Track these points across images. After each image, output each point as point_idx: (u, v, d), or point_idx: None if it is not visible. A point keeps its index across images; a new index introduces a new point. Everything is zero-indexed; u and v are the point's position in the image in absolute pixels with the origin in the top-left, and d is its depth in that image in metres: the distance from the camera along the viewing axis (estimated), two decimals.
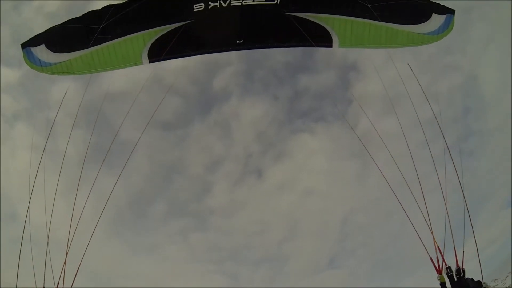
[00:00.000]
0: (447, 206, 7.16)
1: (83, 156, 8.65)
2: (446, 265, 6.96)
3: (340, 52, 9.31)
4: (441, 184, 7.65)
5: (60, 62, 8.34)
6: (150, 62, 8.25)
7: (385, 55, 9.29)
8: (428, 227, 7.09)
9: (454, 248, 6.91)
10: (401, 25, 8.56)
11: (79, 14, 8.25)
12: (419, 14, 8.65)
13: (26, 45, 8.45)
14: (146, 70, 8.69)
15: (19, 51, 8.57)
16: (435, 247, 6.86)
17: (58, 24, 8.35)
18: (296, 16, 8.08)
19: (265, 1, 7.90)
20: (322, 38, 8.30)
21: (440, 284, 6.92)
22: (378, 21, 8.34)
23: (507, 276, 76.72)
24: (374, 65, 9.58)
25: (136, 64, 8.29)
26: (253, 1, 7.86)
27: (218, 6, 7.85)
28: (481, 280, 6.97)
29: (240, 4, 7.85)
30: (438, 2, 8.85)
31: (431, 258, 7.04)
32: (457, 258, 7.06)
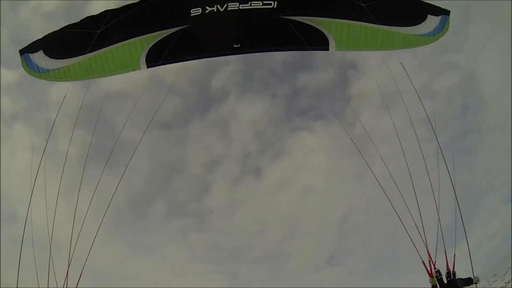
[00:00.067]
0: (439, 210, 7.25)
1: (82, 156, 8.72)
2: (435, 268, 7.13)
3: (338, 51, 9.42)
4: (435, 184, 7.74)
5: (58, 68, 8.39)
6: (148, 67, 8.30)
7: (383, 54, 9.39)
8: (421, 230, 7.20)
9: (445, 251, 7.10)
10: (397, 27, 8.64)
11: (76, 15, 8.34)
12: (415, 16, 8.74)
13: (24, 52, 8.50)
14: (145, 70, 8.72)
15: (17, 52, 8.62)
16: (427, 251, 6.96)
17: (56, 30, 8.38)
18: (293, 20, 8.14)
19: (262, 5, 7.94)
20: (319, 42, 8.36)
21: (432, 287, 7.08)
22: (374, 23, 8.43)
23: (506, 272, 77.21)
24: (372, 63, 9.69)
25: (134, 70, 8.34)
26: (250, 5, 7.90)
27: (215, 10, 7.89)
28: (472, 277, 7.16)
29: (237, 8, 7.89)
30: (433, 3, 8.95)
31: (423, 261, 7.20)
32: (448, 261, 7.24)
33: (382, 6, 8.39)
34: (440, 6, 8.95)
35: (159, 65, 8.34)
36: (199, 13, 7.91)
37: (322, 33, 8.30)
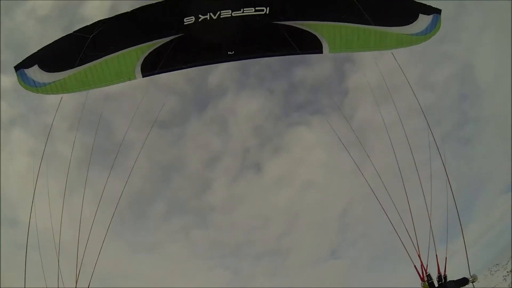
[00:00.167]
0: (430, 215, 7.28)
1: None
2: (426, 273, 7.13)
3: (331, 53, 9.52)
4: (429, 181, 7.79)
5: (54, 82, 8.43)
6: (143, 77, 8.37)
7: None
8: (413, 235, 7.22)
9: (436, 255, 7.09)
10: (389, 27, 8.73)
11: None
12: (407, 16, 8.82)
13: (20, 67, 8.53)
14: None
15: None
16: (418, 256, 6.99)
17: (50, 43, 8.42)
18: (285, 25, 8.23)
19: (255, 11, 8.02)
20: (312, 45, 8.45)
21: None
22: (367, 24, 8.51)
23: (508, 261, 77.64)
24: (368, 55, 9.67)
25: (129, 79, 8.40)
26: (243, 12, 7.97)
27: (208, 18, 7.95)
28: (467, 277, 7.09)
29: (230, 15, 7.95)
30: (424, 2, 9.03)
31: (415, 266, 7.21)
32: (440, 264, 7.24)
33: (374, 6, 8.48)
34: (431, 5, 9.04)
35: (154, 74, 8.40)
36: (192, 21, 7.97)
37: (315, 36, 8.39)
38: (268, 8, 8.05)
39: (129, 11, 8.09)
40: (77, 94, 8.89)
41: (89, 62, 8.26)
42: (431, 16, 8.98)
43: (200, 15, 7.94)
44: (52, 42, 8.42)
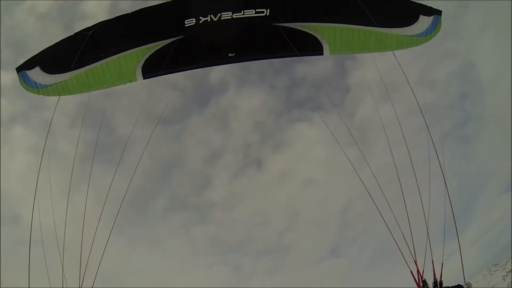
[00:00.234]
0: (428, 223, 7.27)
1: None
2: (422, 278, 7.16)
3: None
4: (429, 185, 7.80)
5: (55, 83, 8.47)
6: (144, 78, 8.39)
7: None
8: (411, 238, 7.22)
9: (432, 261, 7.10)
10: (389, 28, 8.72)
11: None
12: (407, 17, 8.81)
13: (21, 69, 8.59)
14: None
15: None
16: (414, 262, 7.00)
17: (52, 45, 8.48)
18: (286, 26, 8.23)
19: (255, 13, 8.04)
20: (313, 47, 8.44)
21: None
22: (367, 26, 8.52)
23: (507, 261, 77.70)
24: (370, 53, 9.55)
25: (130, 81, 8.43)
26: (243, 14, 7.99)
27: (209, 20, 7.99)
28: (462, 284, 7.14)
29: (231, 17, 7.99)
30: (425, 3, 9.03)
31: (411, 271, 7.23)
32: (437, 270, 7.26)
33: (374, 7, 8.48)
34: (432, 6, 9.05)
35: (155, 76, 8.43)
36: (193, 23, 8.01)
37: (316, 38, 8.38)
38: (268, 10, 8.07)
39: (129, 12, 8.15)
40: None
41: (90, 64, 8.30)
42: (431, 17, 8.97)
43: (200, 17, 7.97)
44: (54, 44, 8.47)
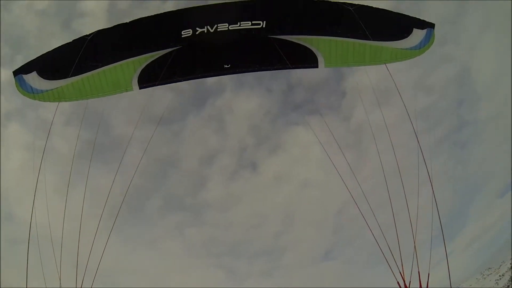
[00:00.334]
0: (415, 238, 7.37)
1: (77, 153, 8.78)
2: None
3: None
4: (417, 197, 7.89)
5: (52, 89, 8.49)
6: (140, 88, 8.43)
7: None
8: (398, 249, 7.30)
9: (418, 272, 7.13)
10: (384, 42, 8.82)
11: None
12: (401, 30, 8.92)
13: (18, 73, 8.60)
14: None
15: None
16: (400, 274, 7.09)
17: (49, 51, 8.50)
18: (281, 39, 8.30)
19: (251, 25, 8.10)
20: (308, 59, 8.53)
21: None
22: (362, 39, 8.60)
23: (500, 265, 78.22)
24: None
25: (126, 90, 8.47)
26: (240, 26, 8.05)
27: (205, 32, 8.04)
28: None
29: (227, 29, 8.04)
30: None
31: (398, 282, 7.25)
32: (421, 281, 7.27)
33: (369, 21, 8.57)
34: (425, 20, 9.16)
35: (151, 87, 8.47)
36: (189, 34, 8.06)
37: (311, 51, 8.47)
38: (264, 22, 8.13)
39: (127, 22, 8.17)
40: None
41: (87, 71, 8.33)
42: (424, 31, 9.09)
43: (197, 28, 8.03)
44: (51, 50, 8.49)
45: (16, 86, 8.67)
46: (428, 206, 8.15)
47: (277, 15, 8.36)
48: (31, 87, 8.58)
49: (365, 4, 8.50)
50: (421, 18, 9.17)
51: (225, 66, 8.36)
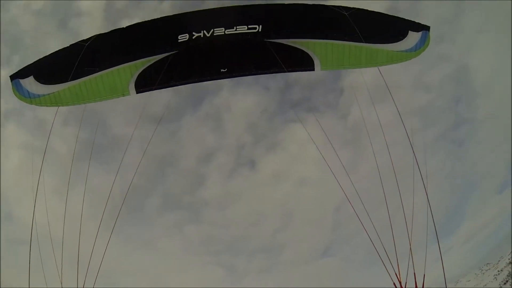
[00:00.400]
0: (411, 240, 7.44)
1: (75, 154, 8.82)
2: None
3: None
4: (413, 198, 7.96)
5: (48, 94, 8.51)
6: (137, 93, 8.47)
7: None
8: (394, 248, 7.38)
9: (414, 273, 7.18)
10: (379, 44, 8.88)
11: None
12: (396, 33, 8.98)
13: (15, 77, 8.62)
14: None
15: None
16: (396, 275, 7.16)
17: (46, 56, 8.54)
18: (278, 42, 8.34)
19: (247, 29, 8.14)
20: (304, 63, 8.57)
21: None
22: (357, 42, 8.65)
23: (499, 260, 78.74)
24: None
25: (123, 95, 8.50)
26: (236, 30, 8.10)
27: (202, 36, 8.09)
28: None
29: (223, 33, 8.09)
30: (417, 15, 9.19)
31: (394, 283, 7.32)
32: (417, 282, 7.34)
33: (364, 24, 8.62)
34: (420, 22, 9.22)
35: (148, 91, 8.51)
36: (186, 39, 8.11)
37: (307, 54, 8.51)
38: (260, 26, 8.18)
39: (124, 27, 8.23)
40: None
41: (84, 76, 8.35)
42: (420, 33, 9.15)
43: (194, 33, 8.08)
44: (48, 55, 8.53)
45: (13, 91, 8.70)
46: (425, 205, 8.24)
47: (273, 19, 8.41)
48: (28, 91, 8.61)
49: (360, 7, 8.56)
50: (416, 21, 9.24)
51: (221, 70, 8.41)
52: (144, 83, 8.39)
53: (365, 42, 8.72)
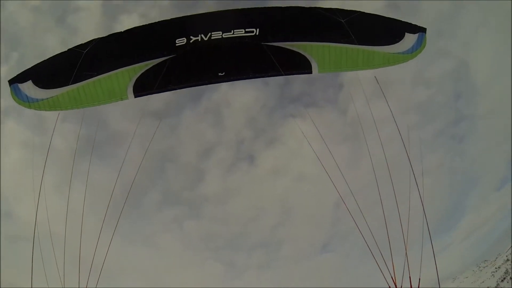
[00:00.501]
0: (407, 245, 7.50)
1: (73, 150, 8.85)
2: None
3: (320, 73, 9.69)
4: (409, 202, 8.01)
5: (47, 98, 8.55)
6: (135, 97, 8.49)
7: None
8: (389, 249, 7.43)
9: (410, 277, 7.25)
10: (376, 46, 8.93)
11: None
12: (393, 35, 9.04)
13: (14, 82, 8.66)
14: None
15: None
16: (392, 279, 7.23)
17: (45, 60, 8.57)
18: (275, 46, 8.39)
19: (245, 33, 8.18)
20: (302, 65, 8.60)
21: None
22: (355, 44, 8.71)
23: (496, 257, 79.09)
24: None
25: (122, 99, 8.52)
26: (233, 34, 8.14)
27: (199, 40, 8.13)
28: None
29: (221, 37, 8.13)
30: (413, 18, 9.24)
31: (389, 286, 7.42)
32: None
33: (361, 27, 8.69)
34: (416, 24, 9.27)
35: (146, 95, 8.55)
36: (183, 43, 8.14)
37: (305, 57, 8.55)
38: (258, 29, 8.22)
39: (122, 31, 8.27)
40: None
41: (82, 80, 8.39)
42: (416, 35, 9.21)
43: (191, 37, 8.11)
44: (47, 59, 8.57)
45: (12, 95, 8.73)
46: (422, 204, 8.30)
47: (270, 22, 8.44)
48: (26, 96, 8.64)
49: (357, 10, 8.60)
50: (413, 23, 9.31)
51: (219, 74, 8.42)
52: (142, 87, 8.42)
53: (362, 45, 8.78)
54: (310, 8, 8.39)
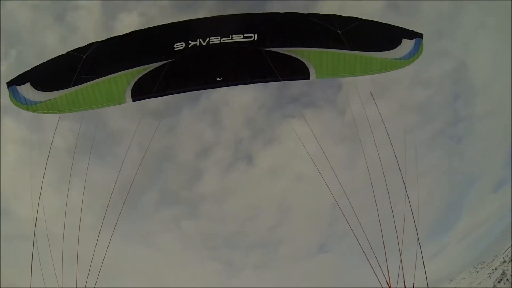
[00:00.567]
0: (401, 250, 7.56)
1: (70, 148, 8.86)
2: None
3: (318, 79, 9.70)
4: (405, 207, 8.06)
5: (45, 101, 8.57)
6: (133, 101, 8.52)
7: None
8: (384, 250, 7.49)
9: (404, 281, 7.29)
10: (374, 52, 8.99)
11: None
12: (390, 41, 9.09)
13: (12, 84, 8.68)
14: None
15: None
16: (387, 282, 7.28)
17: (43, 62, 8.59)
18: (273, 51, 8.43)
19: (243, 38, 8.22)
20: (300, 71, 8.66)
21: None
22: (352, 50, 8.76)
23: (493, 259, 79.34)
24: None
25: (120, 103, 8.55)
26: (231, 39, 8.18)
27: (198, 44, 8.16)
28: None
29: (219, 42, 8.16)
30: (407, 27, 9.28)
31: None
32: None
33: (358, 33, 8.74)
34: (414, 30, 9.33)
35: (144, 99, 8.58)
36: (182, 47, 8.17)
37: (302, 62, 8.60)
38: (256, 35, 8.26)
39: (121, 35, 8.29)
40: None
41: (80, 83, 8.41)
42: (413, 41, 9.26)
43: (190, 41, 8.15)
44: (45, 62, 8.59)
45: (10, 97, 8.76)
46: (421, 203, 8.36)
47: (268, 28, 8.49)
48: (24, 98, 8.66)
49: (354, 17, 8.65)
50: (410, 29, 9.36)
51: (217, 79, 8.46)
52: (141, 91, 8.45)
53: (360, 51, 8.84)
54: (309, 14, 8.44)
